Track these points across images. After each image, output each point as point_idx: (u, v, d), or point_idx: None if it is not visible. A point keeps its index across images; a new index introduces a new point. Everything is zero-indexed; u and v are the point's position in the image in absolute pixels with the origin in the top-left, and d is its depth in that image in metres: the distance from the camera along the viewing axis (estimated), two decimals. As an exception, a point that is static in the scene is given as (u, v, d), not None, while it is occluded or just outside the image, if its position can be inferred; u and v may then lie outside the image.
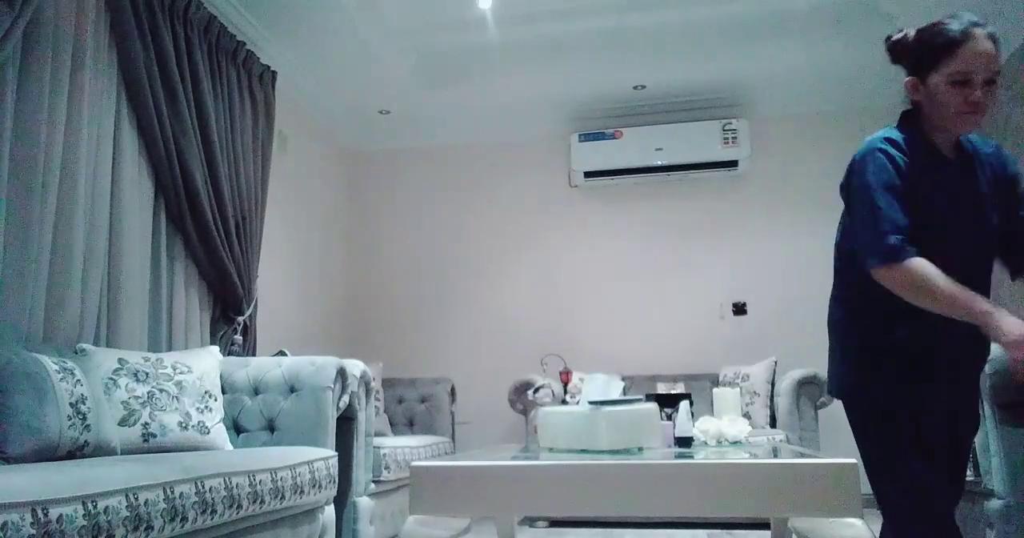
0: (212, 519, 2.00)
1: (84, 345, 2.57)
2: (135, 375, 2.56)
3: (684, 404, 2.50)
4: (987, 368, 2.41)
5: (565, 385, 3.89)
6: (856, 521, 1.77)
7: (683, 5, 3.96)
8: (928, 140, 1.74)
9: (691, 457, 1.98)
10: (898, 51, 1.79)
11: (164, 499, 1.81)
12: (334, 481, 2.80)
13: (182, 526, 1.88)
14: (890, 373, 1.66)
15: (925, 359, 1.64)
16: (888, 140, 1.72)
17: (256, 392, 2.99)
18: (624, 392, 2.63)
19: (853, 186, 1.73)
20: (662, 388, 3.32)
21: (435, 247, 5.47)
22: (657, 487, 1.72)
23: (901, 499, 1.62)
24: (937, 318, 1.56)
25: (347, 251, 5.45)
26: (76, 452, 2.19)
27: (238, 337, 3.60)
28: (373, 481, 3.27)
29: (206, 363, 2.84)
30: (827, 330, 1.82)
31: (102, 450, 2.28)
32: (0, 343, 2.24)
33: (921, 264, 1.56)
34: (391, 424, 4.60)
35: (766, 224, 5.06)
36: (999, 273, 1.76)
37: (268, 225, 4.00)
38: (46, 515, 1.46)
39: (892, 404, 1.66)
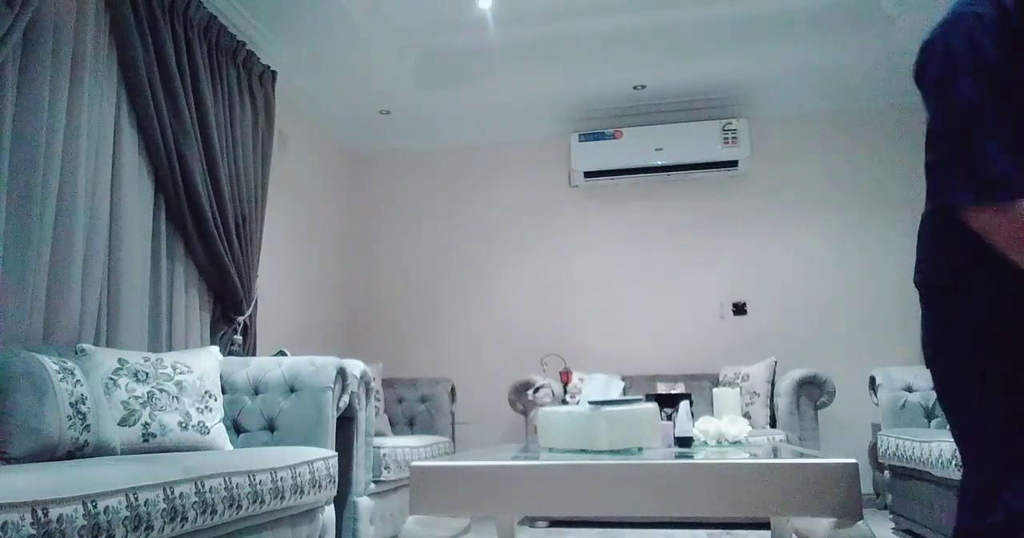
0: (212, 519, 2.00)
1: (84, 345, 2.57)
2: (135, 375, 2.56)
3: (684, 404, 2.50)
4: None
5: (565, 385, 3.89)
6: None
7: (683, 5, 3.96)
8: None
9: (691, 457, 1.98)
10: None
11: (164, 499, 1.81)
12: (334, 481, 2.80)
13: (182, 526, 1.87)
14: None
15: None
16: None
17: (256, 392, 2.99)
18: (624, 392, 2.63)
19: (928, 78, 1.16)
20: (662, 388, 3.32)
21: (435, 247, 5.48)
22: (657, 487, 1.72)
23: None
24: None
25: (347, 251, 5.45)
26: (76, 452, 2.19)
27: (238, 337, 3.60)
28: (373, 481, 3.27)
29: (206, 363, 2.84)
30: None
31: (102, 450, 2.28)
32: (0, 343, 2.24)
33: None
34: (391, 424, 4.60)
35: (766, 224, 5.06)
36: None
37: (268, 225, 4.00)
38: (46, 515, 1.46)
39: None
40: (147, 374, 2.59)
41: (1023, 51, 1.09)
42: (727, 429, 2.51)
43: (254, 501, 2.21)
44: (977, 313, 1.15)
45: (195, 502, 1.92)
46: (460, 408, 4.93)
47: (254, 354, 3.70)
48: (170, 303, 3.25)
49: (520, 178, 5.42)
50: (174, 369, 2.69)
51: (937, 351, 1.23)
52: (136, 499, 1.71)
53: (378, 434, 3.81)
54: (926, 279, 1.25)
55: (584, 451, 2.21)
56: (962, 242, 1.13)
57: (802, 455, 1.91)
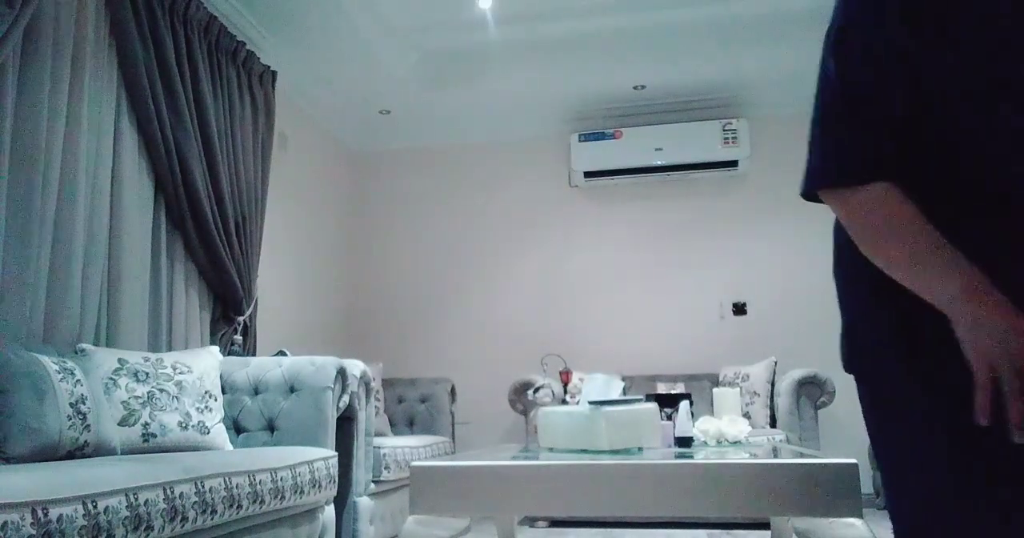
0: (212, 519, 2.00)
1: (84, 345, 2.57)
2: (135, 375, 2.56)
3: (684, 404, 2.50)
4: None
5: (565, 385, 3.89)
6: (856, 521, 1.77)
7: (683, 5, 3.96)
8: None
9: (691, 457, 1.98)
10: None
11: (164, 499, 1.81)
12: (334, 481, 2.80)
13: (182, 526, 1.87)
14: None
15: None
16: None
17: (256, 392, 2.99)
18: (624, 392, 2.63)
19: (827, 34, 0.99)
20: (662, 388, 3.32)
21: (435, 247, 5.48)
22: (657, 487, 1.72)
23: None
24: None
25: (347, 251, 5.45)
26: (76, 452, 2.19)
27: (238, 337, 3.60)
28: (373, 481, 3.27)
29: (206, 363, 2.84)
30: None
31: (102, 450, 2.28)
32: (0, 343, 2.24)
33: (890, 194, 0.89)
34: (391, 424, 4.60)
35: (766, 224, 5.06)
36: None
37: (268, 225, 4.00)
38: (46, 515, 1.46)
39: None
40: (147, 374, 2.59)
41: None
42: (727, 429, 2.51)
43: (254, 501, 2.21)
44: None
45: (195, 502, 1.92)
46: (460, 408, 4.93)
47: (254, 354, 3.70)
48: (170, 303, 3.25)
49: (520, 178, 5.42)
50: (174, 369, 2.69)
51: None
52: (136, 499, 1.71)
53: (378, 434, 3.81)
54: None
55: (584, 451, 2.21)
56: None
57: (802, 455, 1.91)
